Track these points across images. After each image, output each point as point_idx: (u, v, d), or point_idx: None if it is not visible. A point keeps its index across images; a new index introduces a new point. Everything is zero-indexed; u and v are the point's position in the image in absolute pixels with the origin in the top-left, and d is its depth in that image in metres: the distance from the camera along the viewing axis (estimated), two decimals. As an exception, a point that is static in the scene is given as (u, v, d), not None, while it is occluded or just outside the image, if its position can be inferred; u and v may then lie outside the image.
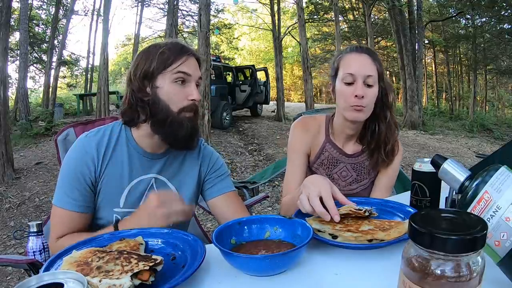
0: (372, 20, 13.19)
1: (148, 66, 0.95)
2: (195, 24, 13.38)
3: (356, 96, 1.12)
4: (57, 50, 12.14)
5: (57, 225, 0.97)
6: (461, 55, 18.28)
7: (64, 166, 0.98)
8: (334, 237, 0.74)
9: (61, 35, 12.44)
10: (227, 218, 1.02)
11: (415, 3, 11.50)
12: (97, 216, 1.00)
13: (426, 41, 16.07)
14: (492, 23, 14.39)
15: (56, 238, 0.95)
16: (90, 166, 0.96)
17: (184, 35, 15.39)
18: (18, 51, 9.98)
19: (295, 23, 12.10)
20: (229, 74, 10.86)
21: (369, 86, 1.13)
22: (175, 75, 0.96)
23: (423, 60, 14.27)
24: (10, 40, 6.71)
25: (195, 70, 1.00)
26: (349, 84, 1.14)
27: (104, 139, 1.00)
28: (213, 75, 8.66)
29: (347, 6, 15.89)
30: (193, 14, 14.30)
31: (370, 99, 1.14)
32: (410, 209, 0.90)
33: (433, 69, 20.21)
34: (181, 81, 0.97)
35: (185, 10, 14.41)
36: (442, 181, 0.72)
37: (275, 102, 12.21)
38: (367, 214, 0.83)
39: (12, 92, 11.51)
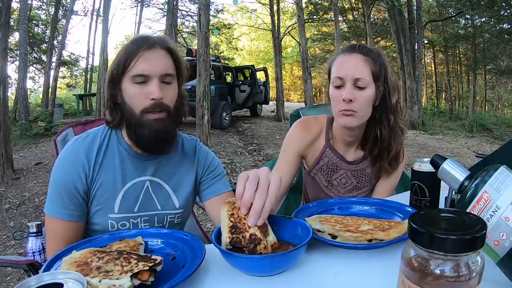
0: (371, 20, 13.19)
1: (113, 69, 0.92)
2: (195, 24, 13.38)
3: (344, 100, 1.06)
4: (57, 50, 12.13)
5: (52, 238, 0.93)
6: (461, 55, 18.29)
7: (54, 175, 0.93)
8: (334, 237, 0.74)
9: (60, 36, 12.43)
10: None
11: (415, 3, 11.50)
12: (92, 222, 0.96)
13: (426, 41, 16.08)
14: (491, 23, 14.38)
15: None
16: (81, 174, 0.92)
17: (184, 35, 15.37)
18: (18, 52, 9.97)
19: (294, 23, 12.10)
20: (228, 74, 10.86)
21: (360, 88, 1.06)
22: (133, 75, 0.90)
23: (423, 60, 14.27)
24: (9, 40, 6.70)
25: (156, 65, 0.90)
26: (339, 87, 1.09)
27: (93, 144, 0.96)
28: (213, 75, 8.66)
29: (346, 6, 15.89)
30: (192, 14, 14.31)
31: (361, 103, 1.07)
32: (409, 209, 0.90)
33: (433, 69, 20.22)
34: (140, 81, 0.90)
35: (185, 10, 14.42)
36: (441, 181, 0.72)
37: (274, 102, 12.22)
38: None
39: (11, 93, 11.54)
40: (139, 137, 0.92)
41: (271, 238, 0.69)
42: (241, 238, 0.67)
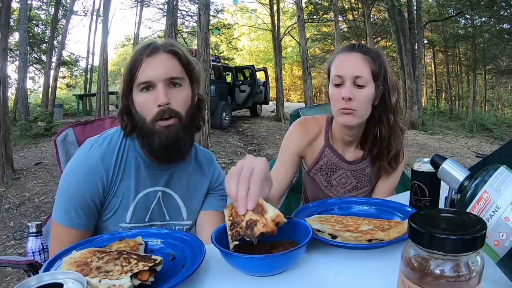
0: (371, 20, 13.19)
1: (123, 81, 0.92)
2: (195, 24, 13.36)
3: (343, 98, 1.06)
4: (57, 50, 12.13)
5: (55, 243, 0.92)
6: (461, 55, 18.29)
7: (68, 182, 0.90)
8: (334, 237, 0.74)
9: (60, 36, 12.43)
10: (205, 234, 0.98)
11: (415, 3, 11.51)
12: (102, 227, 0.95)
13: (426, 41, 16.08)
14: (491, 23, 14.38)
15: None
16: (99, 185, 0.89)
17: (184, 35, 15.36)
18: (18, 52, 9.97)
19: (294, 23, 12.10)
20: (228, 75, 10.87)
21: (359, 87, 1.06)
22: (138, 84, 0.89)
23: (423, 60, 14.27)
24: (9, 40, 6.71)
25: (159, 69, 0.88)
26: (338, 86, 1.09)
27: (111, 150, 0.93)
28: (213, 76, 8.67)
29: (346, 6, 15.89)
30: (192, 14, 14.29)
31: (360, 101, 1.07)
32: (409, 209, 0.90)
33: (433, 69, 20.22)
34: (146, 88, 0.89)
35: (185, 10, 14.40)
36: (441, 181, 0.72)
37: (274, 102, 12.22)
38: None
39: (11, 93, 11.54)
40: (150, 146, 0.90)
41: (271, 213, 0.66)
42: (238, 229, 0.67)
